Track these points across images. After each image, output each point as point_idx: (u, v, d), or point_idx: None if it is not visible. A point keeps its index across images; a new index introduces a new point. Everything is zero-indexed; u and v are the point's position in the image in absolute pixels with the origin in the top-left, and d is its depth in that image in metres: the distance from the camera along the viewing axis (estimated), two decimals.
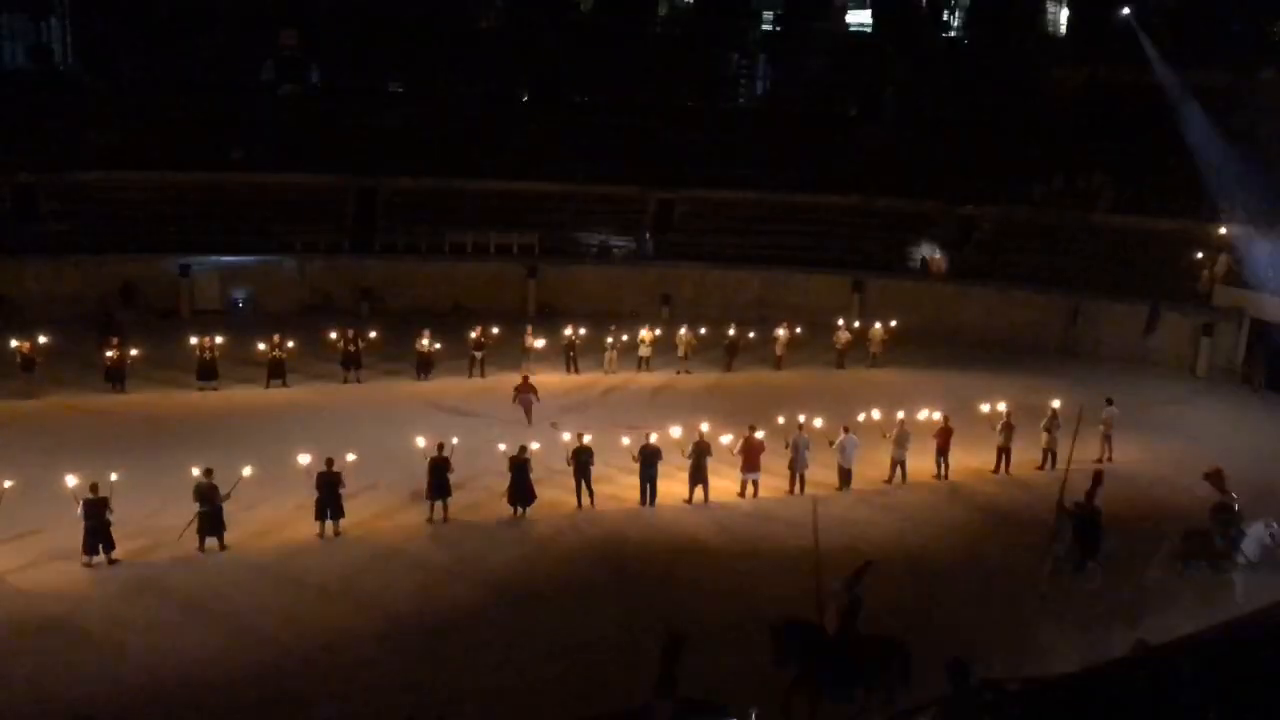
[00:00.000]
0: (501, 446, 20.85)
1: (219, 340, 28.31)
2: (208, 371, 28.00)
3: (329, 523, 19.35)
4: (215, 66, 45.53)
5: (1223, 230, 35.41)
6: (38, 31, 45.65)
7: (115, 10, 44.63)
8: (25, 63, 45.21)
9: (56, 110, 39.97)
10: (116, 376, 27.40)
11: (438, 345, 29.89)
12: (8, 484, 18.40)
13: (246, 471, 18.96)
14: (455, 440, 20.55)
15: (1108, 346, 35.46)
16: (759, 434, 21.88)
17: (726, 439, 21.88)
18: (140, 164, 38.75)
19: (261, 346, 28.73)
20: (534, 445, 20.94)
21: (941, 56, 48.72)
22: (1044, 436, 24.40)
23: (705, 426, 21.69)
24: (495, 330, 30.79)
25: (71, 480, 18.03)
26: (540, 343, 30.94)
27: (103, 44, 45.45)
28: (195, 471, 18.76)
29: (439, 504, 20.07)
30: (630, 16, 49.20)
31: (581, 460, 20.92)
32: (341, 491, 19.28)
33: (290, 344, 29.02)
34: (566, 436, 21.17)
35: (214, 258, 36.84)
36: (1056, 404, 24.72)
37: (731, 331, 32.04)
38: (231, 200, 39.05)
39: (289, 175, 40.15)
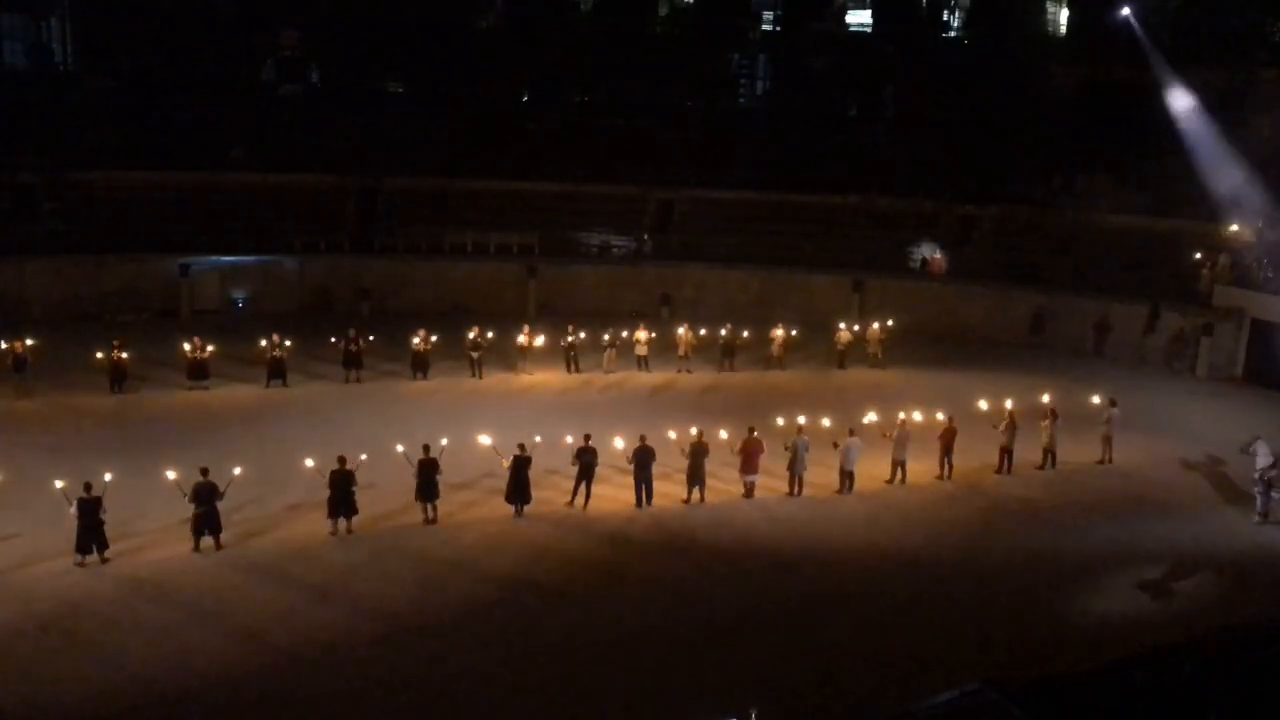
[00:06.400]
0: (486, 441, 20.78)
1: (210, 347, 28.20)
2: (198, 371, 27.98)
3: (341, 521, 19.35)
4: (215, 66, 45.54)
5: (1224, 230, 35.38)
6: (38, 31, 45.67)
7: (115, 10, 44.62)
8: (25, 63, 45.20)
9: (56, 110, 39.96)
10: (117, 378, 27.32)
11: (434, 337, 29.83)
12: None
13: (236, 471, 18.95)
14: (444, 442, 20.50)
15: (1109, 346, 35.48)
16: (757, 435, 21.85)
17: (724, 434, 21.87)
18: (140, 164, 38.74)
19: (263, 346, 28.71)
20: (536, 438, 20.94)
21: (941, 56, 48.71)
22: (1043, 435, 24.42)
23: (694, 430, 21.60)
24: (490, 335, 30.71)
25: (59, 484, 18.05)
26: (540, 340, 30.85)
27: (103, 44, 45.45)
28: (171, 475, 18.78)
29: (429, 505, 20.04)
30: (630, 16, 49.18)
31: (585, 461, 20.88)
32: (354, 490, 19.31)
33: (289, 344, 28.99)
34: (570, 439, 21.13)
35: (214, 258, 36.82)
36: (1046, 398, 24.80)
37: (724, 332, 32.00)
38: (231, 200, 39.04)
39: (289, 175, 40.13)
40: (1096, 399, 25.34)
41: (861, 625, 17.08)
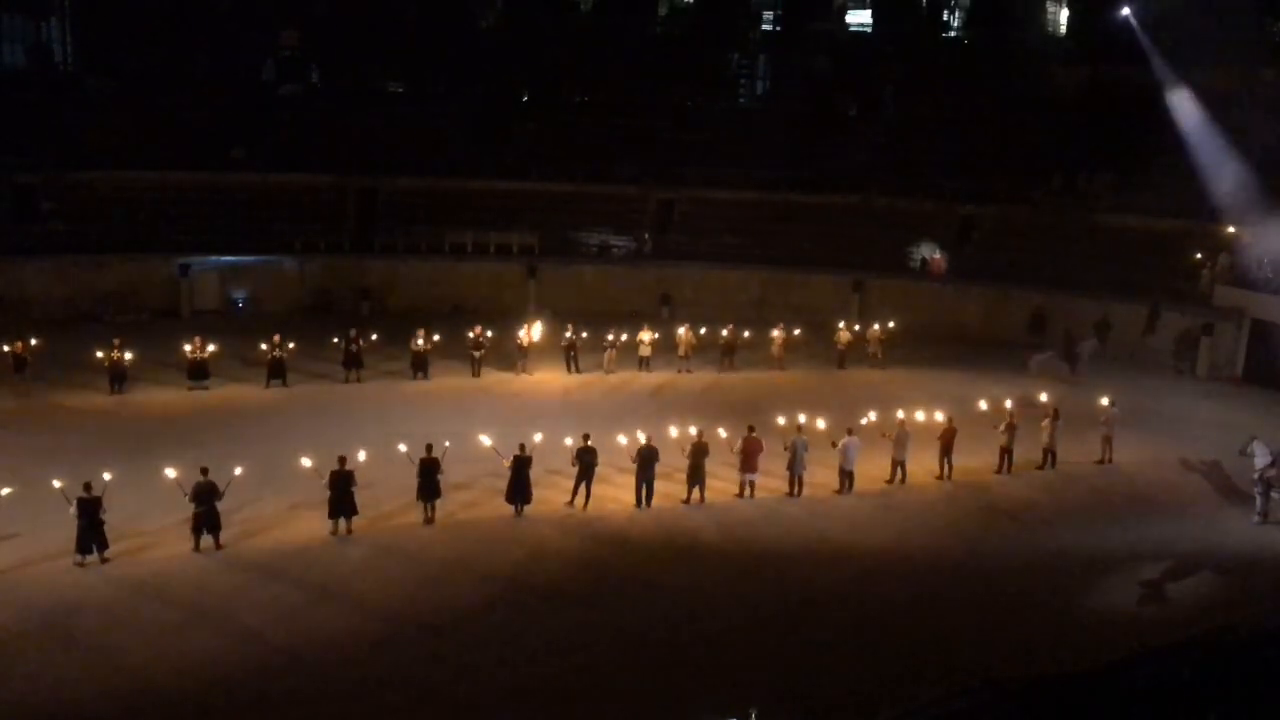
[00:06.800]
0: (487, 441, 20.80)
1: (211, 347, 28.20)
2: (198, 371, 27.96)
3: (341, 521, 19.37)
4: (215, 66, 45.55)
5: (1224, 230, 35.41)
6: (38, 31, 45.67)
7: (115, 10, 44.63)
8: (25, 63, 45.21)
9: (56, 110, 39.95)
10: (117, 378, 27.31)
11: (436, 337, 29.85)
12: (5, 491, 18.36)
13: (238, 471, 18.96)
14: (448, 443, 20.50)
15: (1109, 346, 35.47)
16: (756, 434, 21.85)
17: (724, 434, 21.88)
18: (140, 164, 38.75)
19: (263, 347, 28.69)
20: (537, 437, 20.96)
21: (941, 56, 48.72)
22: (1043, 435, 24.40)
23: (694, 430, 21.63)
24: (489, 334, 30.74)
25: (57, 484, 18.06)
26: (538, 329, 30.79)
27: (103, 44, 45.46)
28: (171, 473, 18.79)
29: (429, 505, 20.04)
30: (630, 16, 49.20)
31: (585, 462, 20.88)
32: (354, 490, 19.33)
33: (290, 345, 28.96)
34: (569, 440, 21.14)
35: (214, 258, 36.84)
36: (1044, 398, 24.80)
37: (725, 333, 32.01)
38: (231, 200, 39.04)
39: (289, 175, 40.15)
40: (1105, 400, 25.28)
41: (861, 625, 17.07)
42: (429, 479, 19.92)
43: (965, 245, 40.77)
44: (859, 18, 52.35)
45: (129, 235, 36.81)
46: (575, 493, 20.97)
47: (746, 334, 32.36)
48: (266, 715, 14.25)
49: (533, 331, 30.88)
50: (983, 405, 24.84)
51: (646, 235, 41.90)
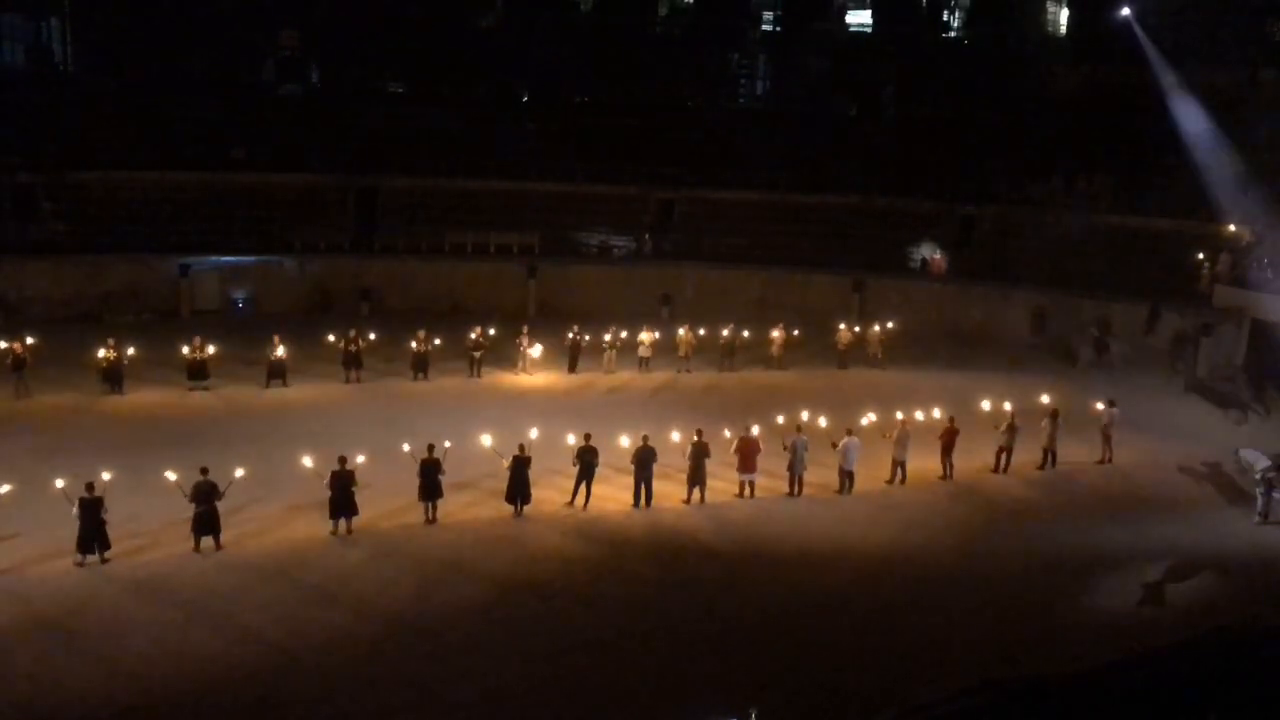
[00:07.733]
0: (487, 442, 20.80)
1: (210, 348, 28.17)
2: (198, 371, 27.95)
3: (342, 521, 19.38)
4: (215, 66, 45.54)
5: (1224, 230, 35.40)
6: (38, 31, 45.66)
7: (115, 10, 44.62)
8: (25, 63, 45.19)
9: (56, 110, 39.94)
10: (113, 377, 27.30)
11: (436, 340, 29.86)
12: (5, 488, 18.36)
13: (239, 473, 18.96)
14: (448, 443, 20.51)
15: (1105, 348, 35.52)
16: (755, 431, 21.83)
17: (727, 434, 21.90)
18: (140, 164, 38.72)
19: (267, 351, 28.62)
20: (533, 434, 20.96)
21: (941, 56, 48.72)
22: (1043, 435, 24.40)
23: (695, 431, 21.64)
24: (492, 332, 30.77)
25: (60, 483, 18.05)
26: (536, 350, 30.79)
27: (103, 44, 45.45)
28: (171, 476, 18.80)
29: (430, 505, 20.05)
30: (630, 16, 49.21)
31: (586, 461, 20.89)
32: (354, 490, 19.34)
33: (283, 346, 28.84)
34: (571, 439, 21.15)
35: (214, 258, 36.82)
36: (1045, 399, 24.81)
37: (725, 333, 32.01)
38: (231, 200, 39.03)
39: (289, 175, 40.13)
40: (1105, 400, 25.27)
41: (861, 625, 17.08)
42: (430, 479, 19.92)
43: (965, 245, 40.78)
44: (859, 18, 52.32)
45: (129, 235, 36.80)
46: (575, 493, 20.98)
47: (746, 334, 32.35)
48: (266, 715, 14.24)
49: (531, 351, 30.75)
50: (985, 406, 24.85)
51: (646, 235, 41.91)
